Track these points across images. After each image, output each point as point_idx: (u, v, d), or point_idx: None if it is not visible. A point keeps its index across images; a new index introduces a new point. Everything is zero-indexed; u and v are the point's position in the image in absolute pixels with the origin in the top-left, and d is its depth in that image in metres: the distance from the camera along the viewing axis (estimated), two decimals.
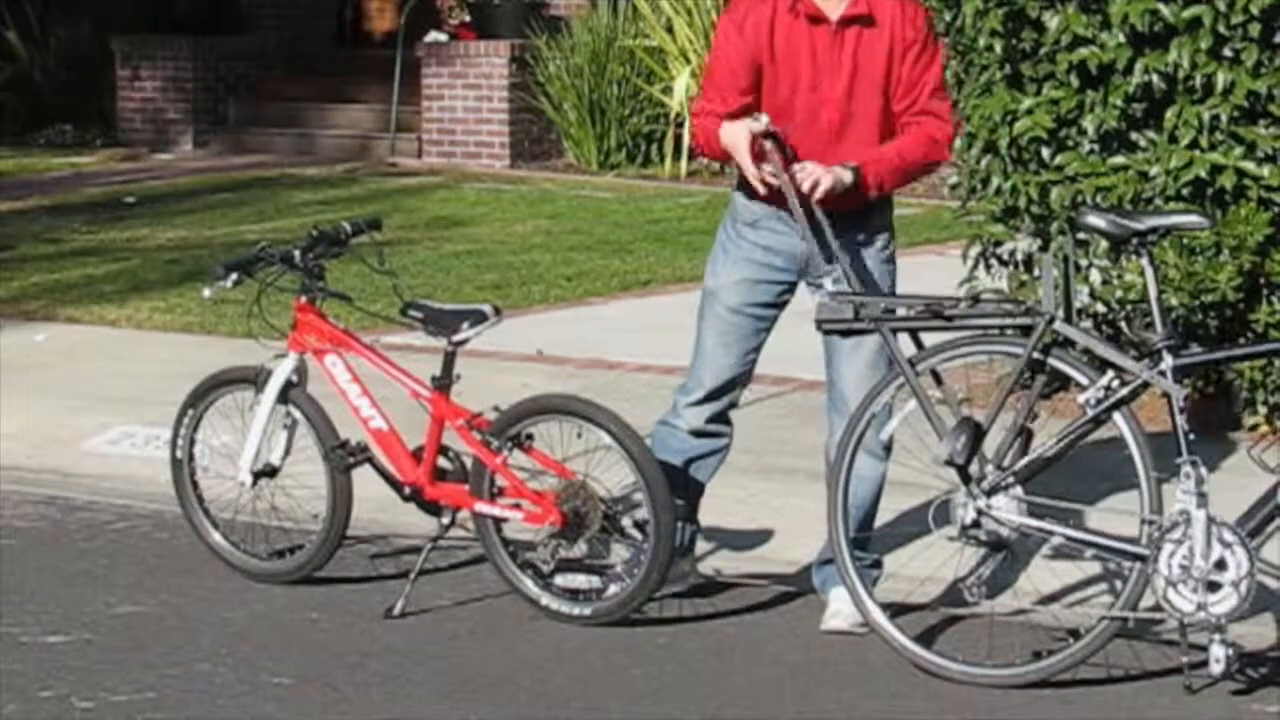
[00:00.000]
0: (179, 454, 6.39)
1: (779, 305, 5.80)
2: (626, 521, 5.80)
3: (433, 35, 15.51)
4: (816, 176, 5.51)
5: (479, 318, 5.98)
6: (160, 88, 16.57)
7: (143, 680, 5.42)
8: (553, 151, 15.00)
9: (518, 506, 5.86)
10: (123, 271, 10.96)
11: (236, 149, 16.15)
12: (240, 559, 6.30)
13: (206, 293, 6.43)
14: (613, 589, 5.79)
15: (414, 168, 14.99)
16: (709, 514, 6.60)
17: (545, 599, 5.84)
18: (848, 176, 5.54)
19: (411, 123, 15.40)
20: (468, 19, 15.66)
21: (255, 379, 6.26)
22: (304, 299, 6.25)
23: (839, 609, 5.74)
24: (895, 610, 5.62)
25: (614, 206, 12.94)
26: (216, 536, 6.35)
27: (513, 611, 5.92)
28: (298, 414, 6.19)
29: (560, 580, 5.86)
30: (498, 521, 5.91)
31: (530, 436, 5.86)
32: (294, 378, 6.20)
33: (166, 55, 16.54)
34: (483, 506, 5.91)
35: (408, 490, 6.06)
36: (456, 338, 5.96)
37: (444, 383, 5.99)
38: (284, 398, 6.19)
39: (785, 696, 5.31)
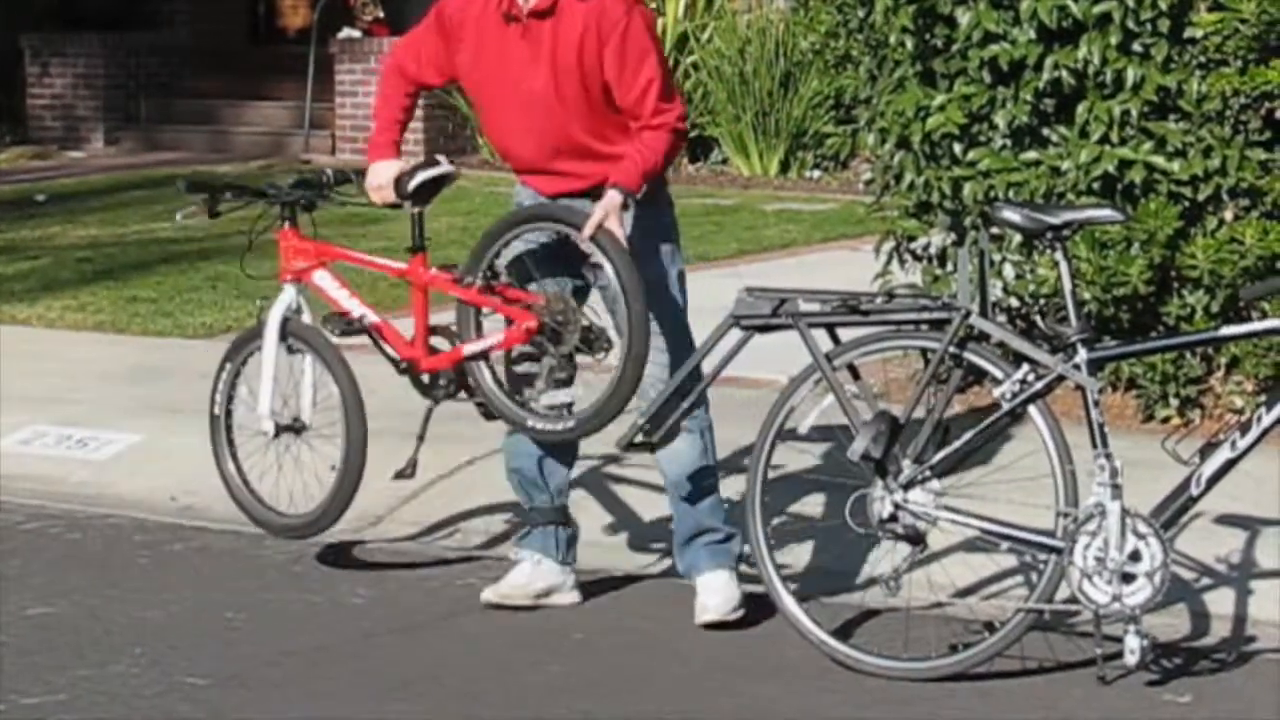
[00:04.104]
0: (217, 410, 6.31)
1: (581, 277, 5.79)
2: (599, 334, 5.73)
3: (346, 32, 15.47)
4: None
5: (429, 163, 5.97)
6: (71, 84, 16.44)
7: (55, 682, 5.37)
8: (467, 147, 14.97)
9: (499, 330, 5.82)
10: (33, 270, 10.86)
11: (149, 146, 16.04)
12: (265, 514, 6.23)
13: (179, 217, 6.45)
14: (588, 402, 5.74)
15: (328, 164, 14.91)
16: (623, 510, 6.62)
17: (532, 420, 5.78)
18: (617, 199, 5.55)
19: (325, 119, 15.34)
20: (381, 15, 15.63)
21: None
22: (286, 227, 6.24)
23: (707, 601, 5.74)
24: (812, 604, 5.62)
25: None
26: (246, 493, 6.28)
27: (431, 610, 5.90)
28: (299, 344, 6.15)
29: (545, 399, 5.79)
30: (488, 361, 5.87)
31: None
32: (292, 310, 6.17)
33: (77, 52, 16.41)
34: (470, 346, 5.88)
35: (404, 364, 6.04)
36: (412, 184, 5.89)
37: (419, 246, 5.98)
38: (284, 333, 6.14)
39: (701, 691, 5.31)
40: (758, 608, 5.75)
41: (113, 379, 8.45)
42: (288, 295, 6.21)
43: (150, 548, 6.62)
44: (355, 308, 6.13)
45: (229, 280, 10.22)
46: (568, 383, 5.80)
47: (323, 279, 6.22)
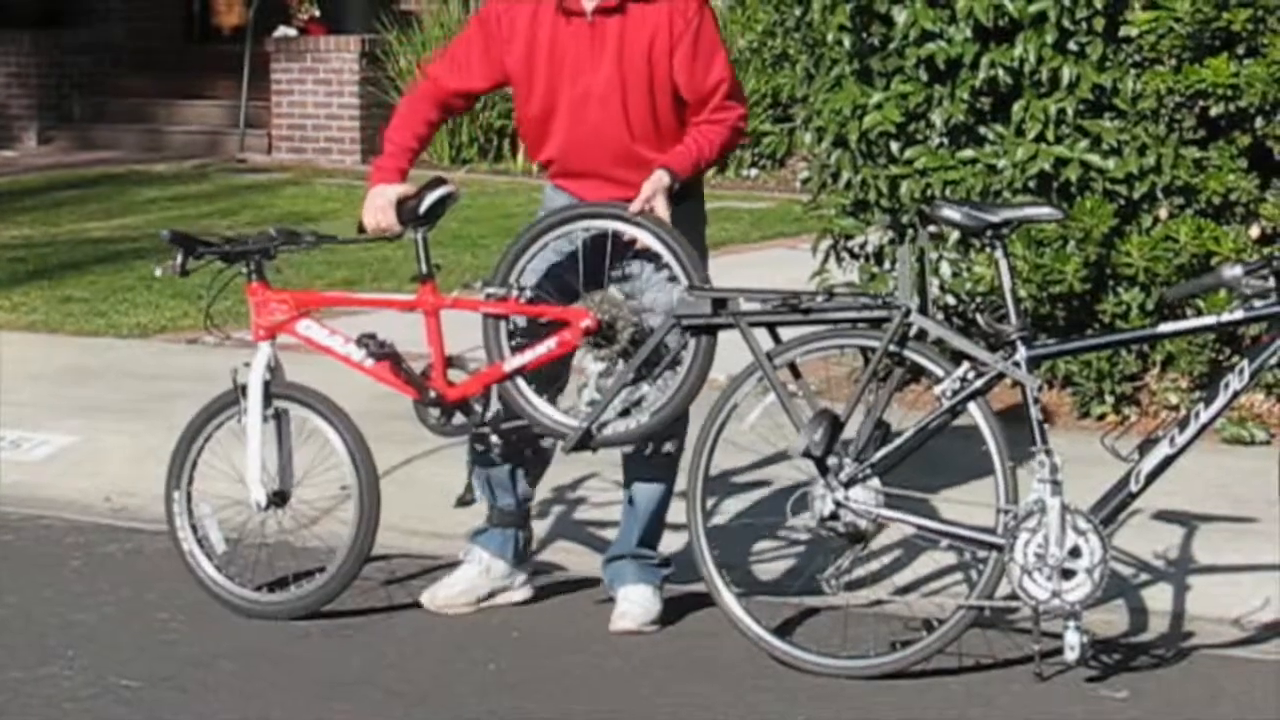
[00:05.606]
0: (186, 545, 5.93)
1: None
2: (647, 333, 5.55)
3: (282, 30, 15.40)
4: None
5: (435, 183, 5.77)
6: (3, 83, 16.32)
7: None
8: None
9: (548, 336, 5.61)
10: None
11: (83, 145, 15.94)
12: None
13: (159, 272, 6.07)
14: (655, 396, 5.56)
15: (264, 164, 14.86)
16: (565, 507, 6.60)
17: (612, 426, 5.56)
18: (666, 180, 5.50)
19: (261, 119, 15.27)
20: (317, 14, 15.57)
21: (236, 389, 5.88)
22: (253, 282, 5.90)
23: (627, 609, 5.72)
24: (752, 602, 5.62)
25: (466, 202, 12.84)
26: None
27: (367, 610, 5.87)
28: (286, 404, 5.86)
29: (625, 395, 5.56)
30: (527, 377, 5.63)
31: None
32: (270, 372, 5.85)
33: (8, 50, 16.29)
34: (510, 363, 5.64)
35: (434, 395, 5.77)
36: (424, 205, 5.70)
37: (428, 273, 5.74)
38: (268, 395, 5.84)
39: (639, 690, 5.30)
40: (697, 606, 5.75)
41: (46, 379, 8.38)
42: (264, 354, 5.85)
43: (83, 549, 6.57)
44: (353, 353, 5.82)
45: (163, 280, 10.14)
46: (639, 379, 5.56)
47: (309, 328, 5.89)
